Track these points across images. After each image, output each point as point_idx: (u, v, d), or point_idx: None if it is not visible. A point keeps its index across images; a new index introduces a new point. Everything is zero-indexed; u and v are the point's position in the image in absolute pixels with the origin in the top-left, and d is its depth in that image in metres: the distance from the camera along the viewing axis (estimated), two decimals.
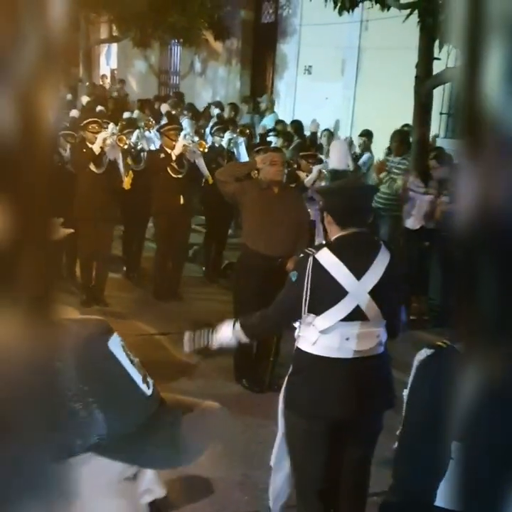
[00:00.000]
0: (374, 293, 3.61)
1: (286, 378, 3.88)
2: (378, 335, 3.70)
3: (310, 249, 3.79)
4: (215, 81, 18.59)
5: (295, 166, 8.52)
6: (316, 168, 7.87)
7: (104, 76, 23.66)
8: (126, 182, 8.34)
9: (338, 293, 3.59)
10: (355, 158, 10.69)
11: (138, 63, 21.27)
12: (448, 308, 8.24)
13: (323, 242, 3.95)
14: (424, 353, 2.51)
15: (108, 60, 24.84)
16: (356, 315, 3.62)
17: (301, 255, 3.79)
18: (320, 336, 3.65)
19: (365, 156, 10.89)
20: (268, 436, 4.53)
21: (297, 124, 13.10)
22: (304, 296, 3.60)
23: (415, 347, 2.60)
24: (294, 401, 3.80)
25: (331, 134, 12.36)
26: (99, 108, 14.57)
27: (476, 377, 0.46)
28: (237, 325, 3.92)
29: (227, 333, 3.90)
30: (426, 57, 8.89)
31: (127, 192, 8.35)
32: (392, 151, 10.09)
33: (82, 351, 0.87)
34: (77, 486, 0.84)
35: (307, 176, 7.96)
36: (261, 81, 17.51)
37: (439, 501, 2.48)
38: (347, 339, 3.63)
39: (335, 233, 3.72)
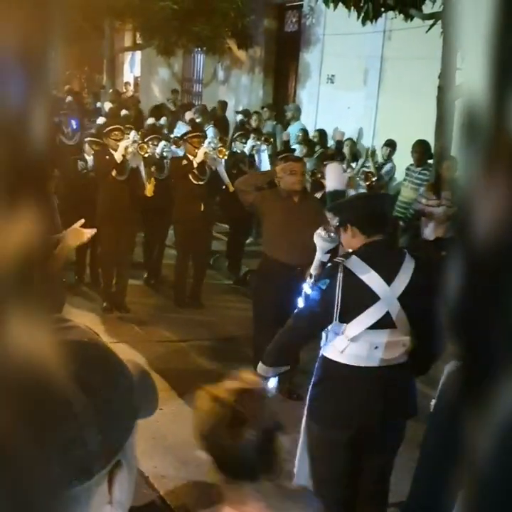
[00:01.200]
0: (402, 299, 3.63)
1: (310, 388, 3.88)
2: (404, 344, 3.70)
3: (338, 258, 3.83)
4: (237, 89, 18.63)
5: (319, 175, 8.53)
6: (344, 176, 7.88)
7: (127, 83, 23.80)
8: (149, 189, 8.39)
9: (370, 298, 3.63)
10: (378, 167, 10.68)
11: (161, 71, 21.36)
12: None
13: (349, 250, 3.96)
14: (453, 363, 2.49)
15: (132, 68, 24.99)
16: (385, 322, 3.65)
17: (330, 264, 3.85)
18: (349, 344, 3.67)
19: (388, 166, 10.88)
20: (288, 444, 4.52)
21: (321, 133, 13.10)
22: (336, 303, 3.62)
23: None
24: (318, 411, 3.82)
25: (353, 144, 12.35)
26: (123, 112, 14.67)
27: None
28: (259, 367, 4.01)
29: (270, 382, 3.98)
30: (449, 68, 8.88)
31: (149, 198, 8.41)
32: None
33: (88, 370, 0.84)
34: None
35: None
36: (284, 90, 17.52)
37: None
38: (376, 348, 3.65)
39: (359, 243, 3.76)
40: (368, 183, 7.87)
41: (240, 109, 16.46)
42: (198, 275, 8.94)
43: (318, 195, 7.83)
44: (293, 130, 13.92)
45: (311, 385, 3.90)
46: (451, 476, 2.47)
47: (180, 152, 9.80)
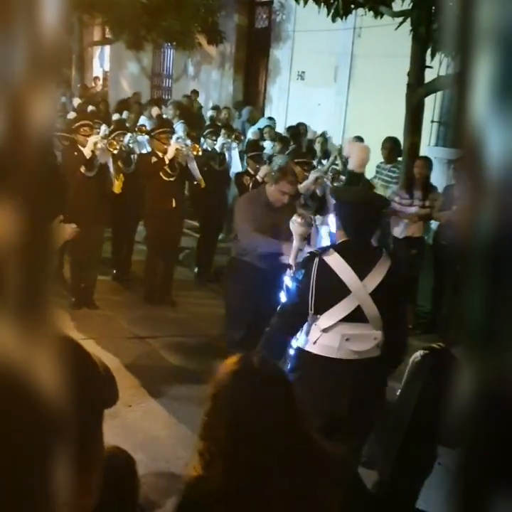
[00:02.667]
0: (374, 295, 3.79)
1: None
2: (376, 337, 3.84)
3: (316, 249, 4.03)
4: (208, 85, 18.60)
5: None
6: (313, 175, 7.87)
7: (96, 78, 23.64)
8: (117, 185, 8.34)
9: (341, 291, 3.79)
10: (346, 163, 10.72)
11: (131, 66, 21.26)
12: (437, 316, 8.28)
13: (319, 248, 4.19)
14: (418, 354, 2.54)
15: (101, 63, 24.83)
16: (357, 315, 3.80)
17: (307, 255, 4.02)
18: (321, 335, 3.83)
19: None
20: None
21: (295, 130, 13.10)
22: (311, 294, 3.80)
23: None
24: None
25: (325, 140, 12.38)
26: (90, 108, 14.56)
27: (472, 382, 0.47)
28: None
29: None
30: (418, 65, 8.92)
31: (117, 194, 8.35)
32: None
33: None
34: None
35: (300, 182, 7.97)
36: (254, 86, 17.52)
37: (421, 504, 2.50)
38: (347, 339, 3.81)
39: (341, 238, 3.98)
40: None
41: (210, 105, 16.43)
42: (168, 271, 8.90)
43: None
44: (260, 125, 13.92)
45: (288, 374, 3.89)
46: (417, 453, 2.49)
47: (146, 142, 9.74)
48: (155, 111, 14.23)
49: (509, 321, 0.44)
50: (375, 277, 3.82)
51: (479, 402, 0.47)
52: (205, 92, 18.38)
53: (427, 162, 8.73)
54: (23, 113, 0.49)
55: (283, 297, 4.50)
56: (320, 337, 3.84)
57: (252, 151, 9.69)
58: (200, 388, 6.20)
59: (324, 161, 11.24)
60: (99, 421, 1.11)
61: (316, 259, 3.85)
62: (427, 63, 8.91)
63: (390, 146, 9.68)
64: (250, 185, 8.27)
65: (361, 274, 3.81)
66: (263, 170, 8.32)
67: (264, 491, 1.97)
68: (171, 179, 8.42)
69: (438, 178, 10.24)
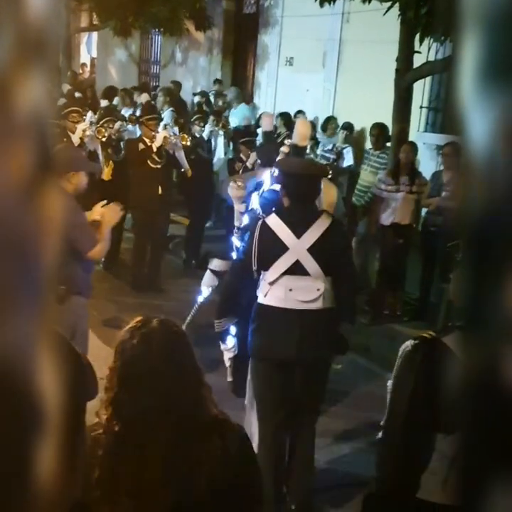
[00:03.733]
0: (312, 250, 4.30)
1: (249, 330, 4.54)
2: (319, 288, 4.33)
3: (261, 214, 4.60)
4: (196, 71, 18.52)
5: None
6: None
7: (84, 64, 23.50)
8: (106, 173, 8.31)
9: (281, 248, 4.32)
10: (337, 152, 10.70)
11: (118, 52, 21.13)
12: (425, 303, 8.30)
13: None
14: (408, 344, 2.53)
15: (89, 49, 24.68)
16: (297, 269, 4.32)
17: (253, 219, 4.63)
18: (270, 288, 4.36)
19: (346, 149, 10.90)
20: None
21: (286, 117, 13.03)
22: (253, 252, 4.35)
23: (391, 340, 2.64)
24: (251, 346, 4.50)
25: (313, 126, 12.32)
26: (77, 95, 14.48)
27: (466, 368, 0.47)
28: (215, 325, 4.70)
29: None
30: (406, 51, 8.90)
31: (107, 182, 8.31)
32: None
33: None
34: None
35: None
36: (242, 71, 17.46)
37: (426, 494, 2.51)
38: (290, 290, 4.32)
39: (285, 203, 4.50)
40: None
41: (198, 90, 16.35)
42: (156, 259, 8.88)
43: None
44: (237, 113, 13.86)
45: (249, 325, 4.54)
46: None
47: (137, 131, 9.70)
48: (144, 97, 14.14)
49: (499, 306, 0.43)
50: (312, 235, 4.31)
51: (473, 388, 0.47)
52: (192, 78, 18.30)
53: (413, 147, 8.72)
54: (10, 98, 0.47)
55: (233, 256, 5.03)
56: (269, 290, 4.36)
57: (244, 136, 9.66)
58: None
59: (318, 150, 11.20)
60: (82, 412, 1.11)
61: (259, 222, 4.41)
62: (416, 48, 8.89)
63: (378, 132, 9.66)
64: (240, 172, 8.26)
65: (298, 232, 4.31)
66: (253, 157, 8.32)
67: (142, 441, 2.06)
68: (158, 166, 8.39)
69: (427, 164, 10.25)
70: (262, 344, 4.46)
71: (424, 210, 8.64)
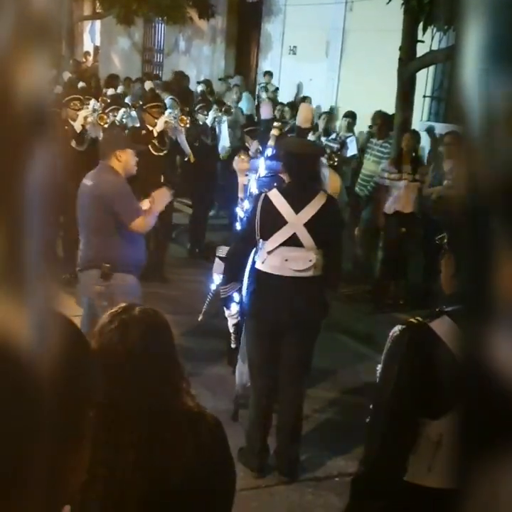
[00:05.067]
0: (308, 225, 4.72)
1: (245, 293, 5.04)
2: (311, 259, 4.78)
3: (264, 189, 5.00)
4: (199, 59, 18.48)
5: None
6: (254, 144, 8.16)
7: (87, 53, 23.46)
8: None
9: (280, 222, 4.73)
10: (341, 141, 10.67)
11: (122, 40, 21.08)
12: (428, 291, 8.29)
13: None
14: (396, 329, 2.55)
15: (92, 37, 24.62)
16: (294, 241, 4.74)
17: (257, 193, 5.06)
18: (267, 256, 4.80)
19: (350, 138, 10.87)
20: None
21: (294, 106, 13.00)
22: (256, 223, 4.77)
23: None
24: (247, 307, 4.99)
25: (330, 118, 12.19)
26: (80, 84, 14.45)
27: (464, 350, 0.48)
28: (221, 291, 5.17)
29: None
30: (409, 40, 8.87)
31: None
32: (373, 133, 10.10)
33: None
34: None
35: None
36: (245, 60, 17.42)
37: (412, 478, 2.52)
38: (286, 260, 4.76)
39: (287, 180, 4.93)
40: (331, 163, 7.88)
41: (202, 79, 16.32)
42: (160, 248, 8.88)
43: None
44: (243, 104, 13.84)
45: (247, 287, 5.04)
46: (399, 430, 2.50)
47: (138, 115, 9.68)
48: (148, 84, 14.13)
49: (498, 292, 0.44)
50: (309, 211, 4.73)
51: (466, 370, 0.48)
52: (196, 67, 18.26)
53: (415, 135, 8.71)
54: (10, 83, 0.48)
55: (237, 226, 5.55)
56: (266, 258, 4.81)
57: (248, 126, 9.64)
58: (192, 365, 6.24)
59: (323, 138, 11.16)
60: (89, 401, 1.12)
61: (262, 196, 4.82)
62: (419, 37, 8.85)
63: (381, 121, 9.65)
64: None
65: (297, 208, 4.73)
66: (255, 145, 8.31)
67: (115, 428, 2.05)
68: (160, 154, 8.37)
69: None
70: (258, 306, 4.91)
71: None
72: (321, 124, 11.75)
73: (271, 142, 5.75)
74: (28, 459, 0.61)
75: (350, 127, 11.19)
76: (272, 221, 4.75)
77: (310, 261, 4.79)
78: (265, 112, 6.77)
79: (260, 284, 4.90)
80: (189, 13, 16.87)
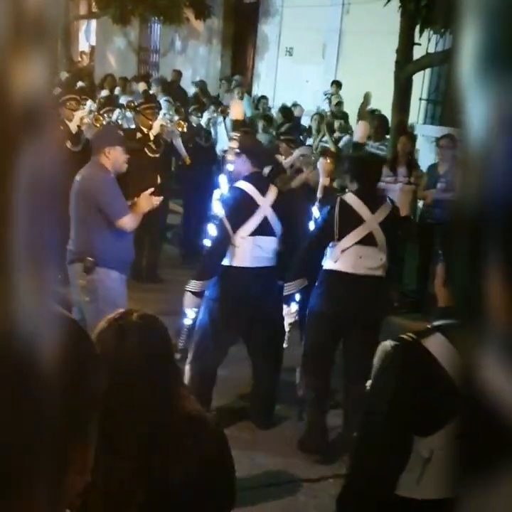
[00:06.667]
0: (381, 225, 5.04)
1: (313, 292, 5.24)
2: (381, 258, 5.08)
3: (337, 194, 5.41)
4: (195, 60, 18.48)
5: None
6: (298, 152, 7.86)
7: (83, 52, 23.44)
8: None
9: (356, 221, 5.04)
10: (335, 140, 10.69)
11: (117, 40, 21.06)
12: (423, 295, 8.30)
13: None
14: (388, 345, 2.51)
15: (88, 37, 24.60)
16: (368, 240, 5.05)
17: (333, 197, 5.42)
18: (340, 255, 5.06)
19: (345, 139, 10.87)
20: None
21: (287, 109, 13.00)
22: (335, 224, 5.04)
23: (388, 332, 2.64)
24: (316, 305, 5.18)
25: (321, 118, 12.23)
26: (79, 84, 14.43)
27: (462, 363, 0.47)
28: (288, 287, 5.29)
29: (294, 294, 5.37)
30: (406, 43, 8.89)
31: None
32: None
33: None
34: None
35: (285, 159, 7.96)
36: (242, 61, 17.42)
37: (401, 491, 2.51)
38: (360, 257, 5.04)
39: (352, 188, 5.23)
40: (328, 160, 7.86)
41: (197, 79, 16.30)
42: (154, 249, 8.86)
43: (267, 170, 7.86)
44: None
45: (313, 292, 5.24)
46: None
47: (132, 116, 9.66)
48: (142, 86, 14.10)
49: (495, 298, 0.43)
50: (382, 213, 5.08)
51: (467, 389, 0.47)
52: (192, 68, 18.25)
53: (411, 139, 8.71)
54: (7, 82, 0.48)
55: (311, 226, 5.88)
56: (339, 257, 5.06)
57: (240, 127, 9.61)
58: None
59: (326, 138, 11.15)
60: (95, 402, 1.11)
61: (338, 199, 5.14)
62: (416, 40, 8.87)
63: (377, 123, 9.65)
64: None
65: (373, 209, 5.07)
66: None
67: (112, 433, 2.03)
68: (156, 155, 8.36)
69: (426, 156, 10.24)
70: (327, 304, 5.12)
71: (421, 203, 8.63)
72: (313, 125, 11.77)
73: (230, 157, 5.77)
74: (32, 459, 0.61)
75: (344, 128, 11.18)
76: (348, 221, 5.05)
77: (381, 260, 5.09)
78: (235, 112, 6.77)
79: (331, 283, 5.15)
80: (185, 14, 16.86)
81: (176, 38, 19.04)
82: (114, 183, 5.42)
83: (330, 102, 12.83)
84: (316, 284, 5.28)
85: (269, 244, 5.28)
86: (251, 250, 5.22)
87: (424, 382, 2.37)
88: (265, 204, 5.26)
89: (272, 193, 5.34)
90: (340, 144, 10.72)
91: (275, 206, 5.27)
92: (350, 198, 5.16)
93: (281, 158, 8.09)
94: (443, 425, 2.31)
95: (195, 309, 5.47)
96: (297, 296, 5.42)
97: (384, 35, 10.28)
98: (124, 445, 2.08)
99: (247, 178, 5.36)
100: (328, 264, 5.20)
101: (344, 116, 11.48)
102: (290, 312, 5.45)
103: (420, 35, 8.67)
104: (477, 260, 0.44)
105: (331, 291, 5.16)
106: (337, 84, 13.10)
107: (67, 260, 5.47)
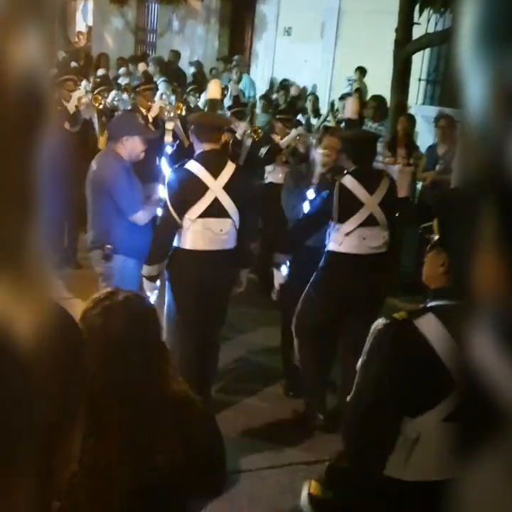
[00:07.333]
0: (381, 205, 5.10)
1: (316, 273, 5.28)
2: (384, 236, 5.20)
3: (335, 177, 5.27)
4: (193, 40, 18.37)
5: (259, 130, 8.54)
6: (294, 132, 7.83)
7: (80, 33, 23.29)
8: (102, 141, 8.23)
9: (357, 204, 5.08)
10: (338, 121, 10.64)
11: (115, 20, 20.91)
12: (420, 277, 8.29)
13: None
14: (380, 322, 2.52)
15: (85, 17, 24.42)
16: (370, 221, 5.11)
17: (330, 180, 5.29)
18: (345, 238, 5.12)
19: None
20: None
21: (285, 86, 12.95)
22: (334, 207, 5.07)
23: (387, 314, 2.63)
24: (319, 285, 5.25)
25: (316, 98, 12.21)
26: (73, 64, 14.35)
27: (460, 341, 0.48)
28: (279, 257, 5.47)
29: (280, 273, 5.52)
30: (405, 22, 8.83)
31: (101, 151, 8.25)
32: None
33: None
34: None
35: (282, 139, 7.93)
36: (240, 41, 17.32)
37: (389, 471, 2.53)
38: (364, 238, 5.12)
39: (350, 167, 5.21)
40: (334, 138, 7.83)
41: (195, 60, 16.21)
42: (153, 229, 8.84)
43: (264, 150, 7.81)
44: (242, 83, 13.76)
45: (316, 272, 5.28)
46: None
47: (129, 99, 9.62)
48: (141, 66, 14.00)
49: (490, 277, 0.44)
50: (381, 192, 5.12)
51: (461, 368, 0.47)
52: (189, 48, 18.15)
53: (410, 119, 8.67)
54: (5, 63, 0.47)
55: (306, 207, 5.75)
56: (343, 240, 5.12)
57: (234, 107, 9.57)
58: None
59: (314, 120, 11.13)
60: (81, 391, 1.10)
61: (337, 183, 5.11)
62: (415, 20, 8.81)
63: (376, 104, 9.60)
64: (230, 143, 8.19)
65: (371, 190, 5.09)
66: (242, 127, 8.24)
67: (96, 414, 2.00)
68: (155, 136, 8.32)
69: (425, 137, 10.20)
70: (332, 284, 5.20)
71: (420, 184, 8.61)
72: (309, 105, 11.73)
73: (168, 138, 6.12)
74: (18, 448, 0.60)
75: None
76: (349, 205, 5.08)
77: (383, 238, 5.22)
78: (212, 91, 6.79)
79: (337, 264, 5.21)
80: None
81: (174, 18, 18.92)
82: (128, 174, 5.40)
83: (351, 88, 12.29)
84: (320, 265, 5.30)
85: (221, 226, 5.08)
86: (201, 233, 5.03)
87: (414, 361, 2.38)
88: (216, 185, 5.04)
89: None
90: (343, 126, 10.68)
91: (228, 187, 5.05)
92: (349, 180, 5.13)
93: (277, 137, 8.05)
94: (431, 406, 2.31)
95: (155, 292, 5.31)
96: (287, 264, 5.54)
97: (383, 14, 10.21)
98: (108, 424, 2.07)
99: (197, 158, 5.15)
100: (332, 246, 5.22)
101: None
102: (280, 275, 5.54)
103: (420, 15, 8.61)
104: (475, 240, 0.44)
105: (337, 271, 5.20)
106: (361, 70, 12.41)
107: (87, 247, 5.54)
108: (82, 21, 24.55)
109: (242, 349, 6.58)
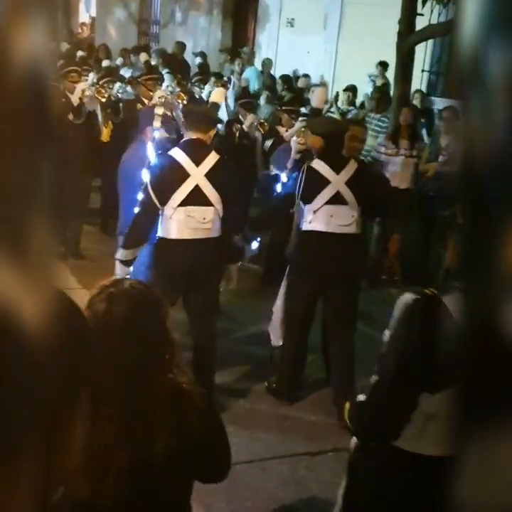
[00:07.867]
0: (349, 184, 5.31)
1: (290, 253, 5.62)
2: (353, 215, 5.35)
3: (308, 160, 5.58)
4: (195, 31, 18.32)
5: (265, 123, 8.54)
6: (298, 124, 7.82)
7: (83, 24, 23.21)
8: (105, 134, 8.24)
9: (323, 183, 5.31)
10: (342, 113, 10.62)
11: (118, 11, 20.84)
12: (423, 268, 8.30)
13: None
14: (409, 297, 2.53)
15: (88, 8, 24.34)
16: (337, 199, 5.31)
17: (301, 165, 5.67)
18: (313, 216, 5.33)
19: (353, 112, 10.79)
20: None
21: (287, 78, 12.91)
22: (298, 188, 5.35)
23: (390, 305, 2.64)
24: (295, 265, 5.50)
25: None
26: (80, 54, 14.30)
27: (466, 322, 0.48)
28: (250, 233, 6.00)
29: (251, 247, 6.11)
30: (408, 13, 8.80)
31: (106, 144, 8.24)
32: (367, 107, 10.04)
33: None
34: None
35: (287, 130, 7.93)
36: (242, 32, 17.28)
37: (407, 445, 2.56)
38: (331, 216, 5.31)
39: (320, 151, 5.44)
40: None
41: (198, 51, 16.17)
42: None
43: (269, 142, 7.81)
44: (248, 74, 13.73)
45: (291, 252, 5.59)
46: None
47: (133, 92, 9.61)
48: (143, 57, 13.96)
49: (498, 265, 0.44)
50: (347, 173, 5.32)
51: (471, 343, 0.47)
52: (192, 39, 18.10)
53: (413, 110, 8.64)
54: (9, 53, 0.47)
55: (278, 188, 6.25)
56: (313, 218, 5.34)
57: (243, 98, 9.55)
58: (188, 338, 6.25)
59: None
60: (84, 380, 1.11)
61: (305, 165, 5.45)
62: (418, 11, 8.79)
63: (379, 95, 9.59)
64: (237, 134, 8.19)
65: (337, 169, 5.33)
66: (249, 119, 8.23)
67: (96, 400, 1.90)
68: None
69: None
70: (305, 262, 5.40)
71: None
72: (312, 97, 11.69)
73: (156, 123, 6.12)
74: (21, 437, 0.60)
75: (351, 101, 11.12)
76: (315, 183, 5.31)
77: (352, 216, 5.34)
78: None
79: (307, 242, 5.40)
80: None
81: (177, 9, 18.86)
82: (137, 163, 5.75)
83: (374, 84, 11.88)
84: (293, 244, 5.58)
85: (203, 215, 5.11)
86: (184, 221, 5.06)
87: (440, 336, 2.39)
88: (197, 172, 5.08)
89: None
90: (348, 117, 10.67)
91: (211, 175, 5.09)
92: (316, 162, 5.41)
93: (282, 129, 8.05)
94: (452, 383, 2.33)
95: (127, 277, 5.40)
96: (258, 240, 6.12)
97: (386, 5, 10.18)
98: (107, 408, 2.08)
99: (181, 146, 5.24)
100: (304, 225, 5.42)
101: (353, 89, 11.38)
102: (251, 249, 6.05)
103: (423, 6, 8.58)
104: (486, 225, 0.45)
105: (309, 249, 5.39)
106: (382, 65, 11.76)
107: (117, 233, 5.81)
108: (85, 12, 24.46)
109: (244, 340, 6.59)
